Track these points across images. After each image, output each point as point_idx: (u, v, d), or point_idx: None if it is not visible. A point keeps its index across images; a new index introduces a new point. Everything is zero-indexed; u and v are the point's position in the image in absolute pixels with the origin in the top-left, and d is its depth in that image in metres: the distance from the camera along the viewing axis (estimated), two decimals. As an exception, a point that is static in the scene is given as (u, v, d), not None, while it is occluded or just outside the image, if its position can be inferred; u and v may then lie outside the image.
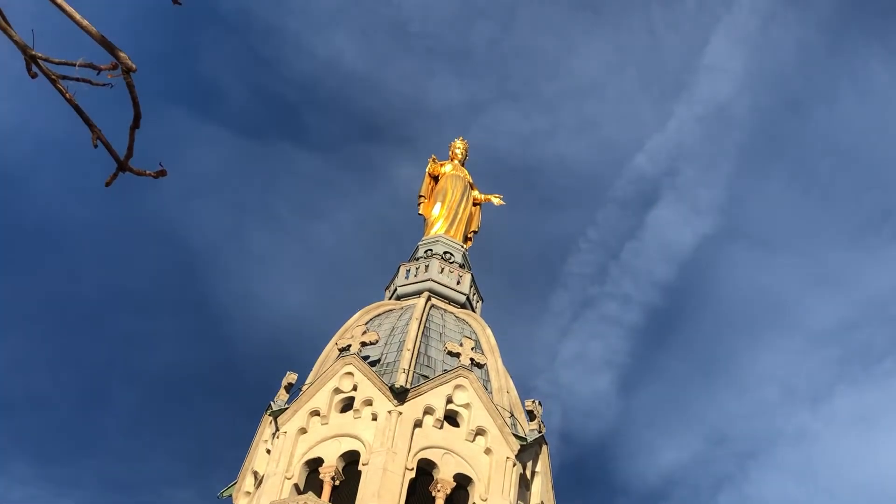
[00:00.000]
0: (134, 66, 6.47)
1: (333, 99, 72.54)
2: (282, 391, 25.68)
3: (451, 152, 34.99)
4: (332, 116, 73.30)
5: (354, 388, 24.66)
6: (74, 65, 6.37)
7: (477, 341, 27.29)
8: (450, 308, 29.17)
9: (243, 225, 69.69)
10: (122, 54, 6.49)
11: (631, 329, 69.67)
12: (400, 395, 24.14)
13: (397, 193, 68.22)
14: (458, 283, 30.33)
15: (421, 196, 33.39)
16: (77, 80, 6.42)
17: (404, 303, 29.14)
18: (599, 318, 68.25)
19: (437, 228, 32.23)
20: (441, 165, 33.97)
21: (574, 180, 73.61)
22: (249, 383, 63.17)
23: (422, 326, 26.88)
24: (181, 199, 64.89)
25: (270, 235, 69.26)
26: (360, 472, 22.94)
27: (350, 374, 24.86)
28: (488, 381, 26.43)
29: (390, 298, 30.50)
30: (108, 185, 6.75)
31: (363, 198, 71.61)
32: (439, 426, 23.91)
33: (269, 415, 25.25)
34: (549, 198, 72.45)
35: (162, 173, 6.86)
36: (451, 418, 24.53)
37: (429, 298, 28.92)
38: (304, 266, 69.67)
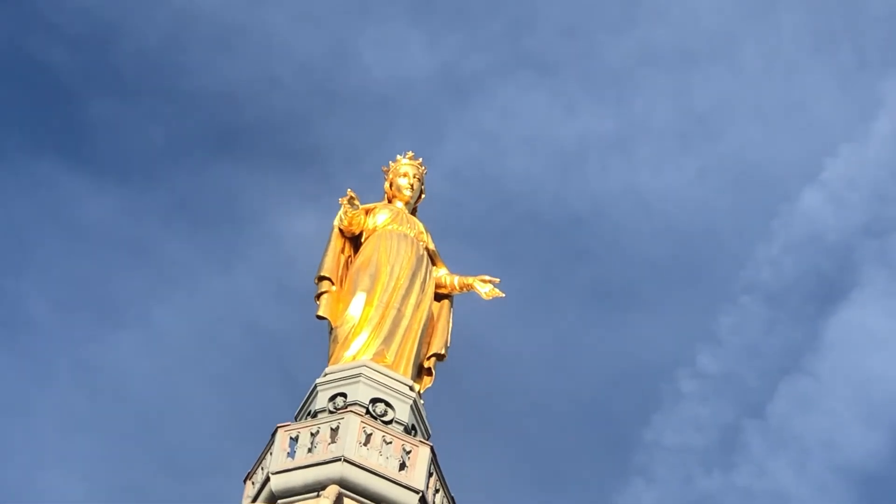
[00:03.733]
0: None
1: (152, 73, 61.62)
2: None
3: (389, 184, 31.95)
4: (147, 109, 62.10)
5: None
6: None
7: None
8: (384, 522, 28.12)
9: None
10: None
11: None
12: None
13: (278, 269, 61.44)
14: (403, 467, 27.18)
15: (324, 278, 29.88)
16: None
17: (286, 509, 28.10)
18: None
19: (359, 348, 28.88)
20: (368, 212, 30.91)
21: (667, 247, 66.29)
22: None
23: (323, 564, 26.10)
24: None
25: (8, 365, 58.75)
26: None
27: None
28: None
29: (256, 499, 27.40)
30: None
31: (206, 278, 61.60)
32: None
33: None
34: (612, 284, 61.67)
35: None
36: None
37: (339, 501, 26.28)
38: (81, 430, 60.69)
